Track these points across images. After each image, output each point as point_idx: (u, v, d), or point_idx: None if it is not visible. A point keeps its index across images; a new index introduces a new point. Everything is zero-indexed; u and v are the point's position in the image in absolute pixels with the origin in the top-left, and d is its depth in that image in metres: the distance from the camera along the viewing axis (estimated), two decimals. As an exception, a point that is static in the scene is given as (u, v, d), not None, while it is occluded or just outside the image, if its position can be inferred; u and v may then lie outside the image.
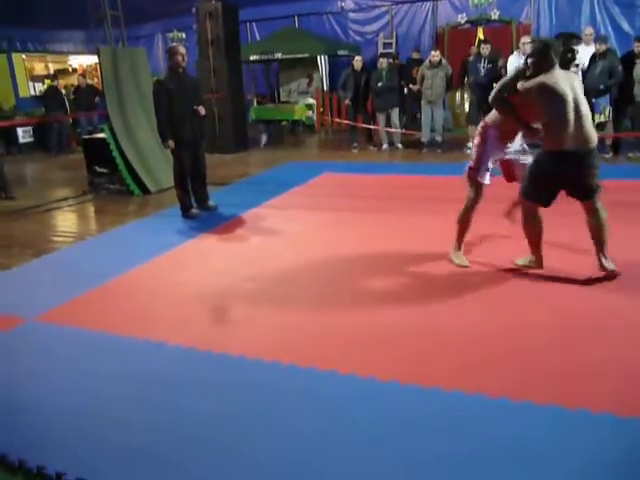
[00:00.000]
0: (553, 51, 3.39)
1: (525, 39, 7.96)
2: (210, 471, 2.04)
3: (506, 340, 2.88)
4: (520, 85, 3.44)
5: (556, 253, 4.09)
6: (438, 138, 9.01)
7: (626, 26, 10.57)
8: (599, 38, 7.77)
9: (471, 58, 8.71)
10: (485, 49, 8.30)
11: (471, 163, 3.87)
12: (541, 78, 3.35)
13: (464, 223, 3.95)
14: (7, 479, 2.06)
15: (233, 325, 3.27)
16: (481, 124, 3.90)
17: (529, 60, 3.44)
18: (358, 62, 9.26)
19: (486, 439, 2.13)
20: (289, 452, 2.12)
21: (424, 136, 8.97)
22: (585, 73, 7.56)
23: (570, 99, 3.31)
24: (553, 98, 3.30)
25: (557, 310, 3.18)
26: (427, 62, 8.79)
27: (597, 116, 8.86)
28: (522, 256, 3.85)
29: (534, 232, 3.67)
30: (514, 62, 7.86)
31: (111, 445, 2.20)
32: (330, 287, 3.70)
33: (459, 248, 4.00)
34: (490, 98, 3.67)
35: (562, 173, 3.42)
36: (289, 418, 2.33)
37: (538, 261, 3.77)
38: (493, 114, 3.80)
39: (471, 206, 3.89)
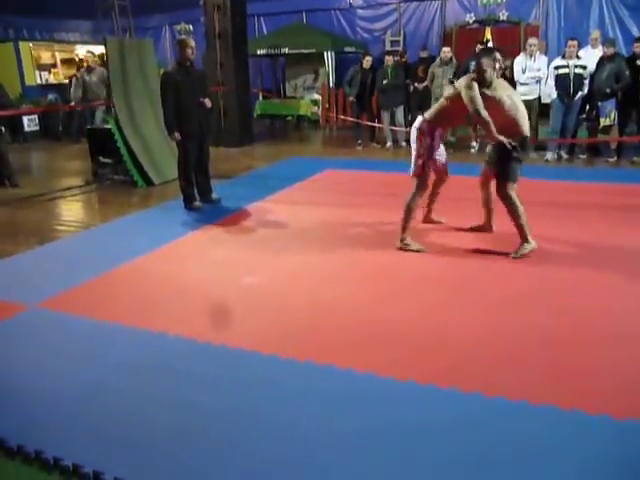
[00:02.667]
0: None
1: (532, 40, 7.95)
2: (207, 463, 2.06)
3: (504, 339, 2.89)
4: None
5: (550, 252, 4.11)
6: (451, 138, 8.98)
7: (635, 29, 10.53)
8: (607, 41, 7.75)
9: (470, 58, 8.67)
10: None
11: (420, 161, 4.19)
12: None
13: (411, 214, 4.30)
14: (5, 463, 2.09)
15: (233, 317, 3.29)
16: (422, 121, 4.19)
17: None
18: (368, 62, 9.19)
19: (481, 437, 2.15)
20: (286, 446, 2.14)
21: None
22: (592, 76, 7.55)
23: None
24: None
25: (556, 310, 3.19)
26: (437, 60, 8.78)
27: (602, 120, 8.87)
28: (514, 249, 4.08)
29: (523, 213, 4.05)
30: (520, 63, 7.86)
31: (107, 434, 2.23)
32: (330, 283, 3.72)
33: (406, 235, 4.32)
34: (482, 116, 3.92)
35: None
36: (286, 411, 2.35)
37: (528, 238, 4.08)
38: (432, 111, 4.20)
39: (420, 198, 4.33)
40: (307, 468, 2.02)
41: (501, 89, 4.01)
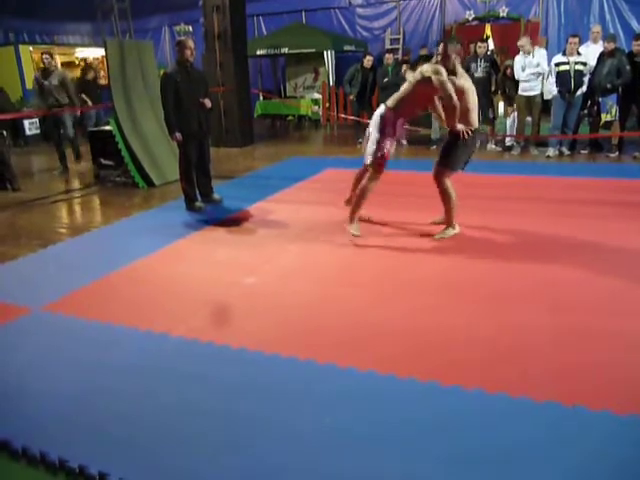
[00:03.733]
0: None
1: (521, 42, 7.91)
2: (210, 464, 2.07)
3: (504, 338, 2.89)
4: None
5: (551, 248, 4.10)
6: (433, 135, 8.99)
7: (635, 24, 10.51)
8: (608, 37, 7.73)
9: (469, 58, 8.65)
10: (482, 47, 8.25)
11: (384, 148, 4.29)
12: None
13: (364, 200, 4.45)
14: (10, 465, 2.10)
15: (235, 318, 3.29)
16: (385, 109, 4.29)
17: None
18: (369, 61, 9.19)
19: (485, 435, 2.15)
20: (288, 446, 2.14)
21: (434, 133, 8.96)
22: (593, 72, 7.54)
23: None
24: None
25: (554, 307, 3.19)
26: (437, 58, 8.75)
27: (603, 115, 8.84)
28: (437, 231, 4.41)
29: (455, 200, 4.36)
30: (519, 62, 7.85)
31: (110, 435, 2.23)
32: (332, 282, 3.73)
33: (355, 220, 4.49)
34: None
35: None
36: (288, 411, 2.35)
37: (453, 223, 4.43)
38: (393, 100, 4.29)
39: (374, 185, 4.41)
40: (308, 466, 2.03)
41: (463, 78, 4.18)
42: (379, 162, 4.31)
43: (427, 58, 9.27)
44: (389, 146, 4.28)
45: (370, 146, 4.35)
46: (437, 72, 4.03)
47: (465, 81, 4.18)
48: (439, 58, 4.20)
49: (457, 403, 2.35)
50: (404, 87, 4.28)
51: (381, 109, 4.32)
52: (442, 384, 2.46)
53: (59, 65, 9.29)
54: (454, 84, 4.05)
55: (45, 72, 7.90)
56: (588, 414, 2.22)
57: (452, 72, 4.11)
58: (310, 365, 2.68)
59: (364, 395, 2.43)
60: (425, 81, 4.07)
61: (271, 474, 2.00)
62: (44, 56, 8.01)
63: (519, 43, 7.92)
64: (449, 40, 4.25)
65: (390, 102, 4.29)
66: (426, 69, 4.11)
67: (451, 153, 4.28)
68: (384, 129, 4.28)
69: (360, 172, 4.87)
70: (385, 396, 2.42)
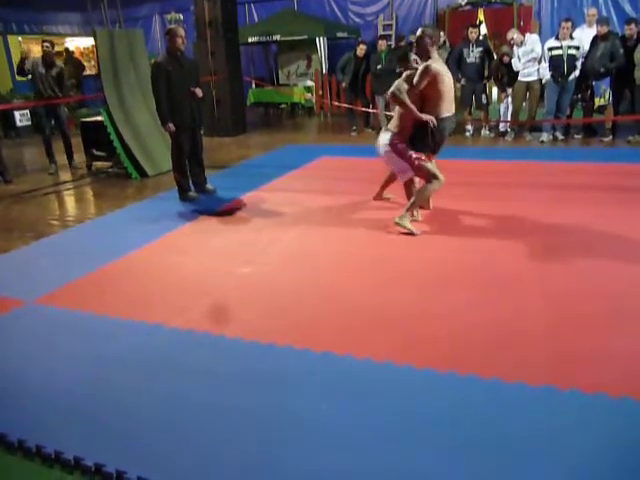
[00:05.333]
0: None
1: (510, 34, 7.88)
2: (207, 456, 2.07)
3: (501, 323, 2.90)
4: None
5: (545, 233, 4.11)
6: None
7: (628, 7, 10.46)
8: (600, 20, 7.69)
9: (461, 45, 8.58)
10: (473, 33, 8.19)
11: (413, 158, 4.34)
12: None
13: (423, 199, 4.53)
14: (6, 458, 2.10)
15: (231, 308, 3.28)
16: (391, 137, 4.40)
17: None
18: (362, 50, 9.11)
19: (485, 423, 2.16)
20: (286, 437, 2.14)
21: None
22: (586, 55, 7.51)
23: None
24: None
25: (551, 294, 3.20)
26: None
27: (597, 99, 8.84)
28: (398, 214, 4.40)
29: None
30: (515, 55, 7.81)
31: (106, 427, 2.23)
32: (327, 270, 3.72)
33: (408, 216, 4.42)
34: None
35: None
36: (287, 401, 2.35)
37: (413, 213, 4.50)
38: (395, 122, 4.44)
39: (437, 184, 4.39)
40: (308, 456, 2.03)
41: (439, 64, 4.26)
42: (420, 169, 4.33)
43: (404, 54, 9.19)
44: (414, 155, 4.32)
45: (398, 164, 4.45)
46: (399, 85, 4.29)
47: (441, 66, 4.24)
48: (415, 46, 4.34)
49: (452, 387, 2.36)
50: (398, 111, 4.41)
51: (385, 139, 4.42)
52: (438, 370, 2.47)
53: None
54: (429, 71, 4.13)
55: (46, 62, 7.39)
56: (583, 396, 2.24)
57: (429, 56, 4.21)
58: (306, 354, 2.68)
59: (361, 383, 2.44)
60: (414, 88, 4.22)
61: (269, 465, 2.00)
62: (45, 44, 7.59)
63: (508, 37, 7.89)
64: (424, 26, 4.38)
65: (392, 127, 4.43)
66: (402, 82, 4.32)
67: (420, 137, 4.31)
68: (401, 153, 4.35)
69: (392, 173, 4.85)
70: (381, 384, 2.43)
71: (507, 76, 8.05)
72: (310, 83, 12.38)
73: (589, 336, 2.71)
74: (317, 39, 12.05)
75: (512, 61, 7.84)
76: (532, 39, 7.85)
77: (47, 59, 7.34)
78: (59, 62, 7.91)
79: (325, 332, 2.89)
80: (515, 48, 7.82)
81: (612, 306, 3.00)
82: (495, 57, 8.22)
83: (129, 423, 2.25)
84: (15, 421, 2.28)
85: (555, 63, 7.46)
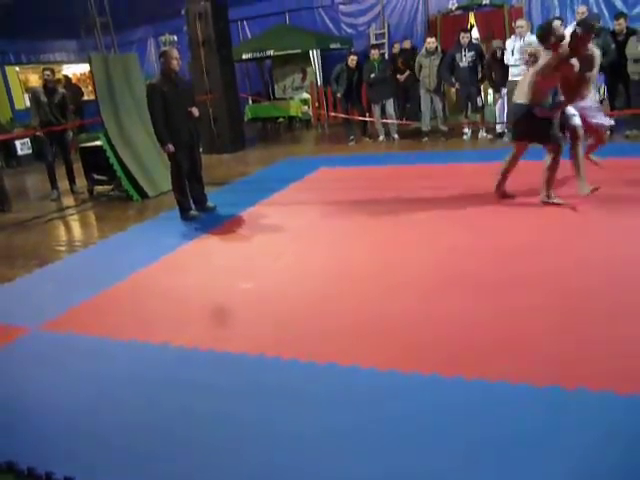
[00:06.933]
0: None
1: (520, 22, 7.90)
2: (214, 473, 2.06)
3: (505, 324, 2.89)
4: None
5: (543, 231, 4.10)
6: (443, 127, 8.95)
7: (619, 3, 10.49)
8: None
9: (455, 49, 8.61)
10: (465, 37, 8.22)
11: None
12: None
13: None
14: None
15: (235, 324, 3.29)
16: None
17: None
18: (353, 61, 9.15)
19: (488, 425, 2.15)
20: (292, 450, 2.14)
21: (425, 125, 8.95)
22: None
23: None
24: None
25: (552, 292, 3.19)
26: (423, 51, 8.77)
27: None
28: None
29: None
30: (510, 45, 7.83)
31: (114, 448, 2.23)
32: (330, 283, 3.72)
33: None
34: None
35: None
36: (293, 415, 2.34)
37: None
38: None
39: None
40: (312, 469, 2.02)
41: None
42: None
43: (407, 52, 9.21)
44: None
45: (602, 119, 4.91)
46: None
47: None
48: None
49: (460, 393, 2.34)
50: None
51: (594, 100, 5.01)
52: (443, 375, 2.46)
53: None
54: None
55: (48, 89, 7.41)
56: (590, 394, 2.22)
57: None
58: (311, 367, 2.67)
59: (367, 393, 2.43)
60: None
61: (276, 478, 1.99)
62: (45, 72, 7.62)
63: (518, 23, 7.86)
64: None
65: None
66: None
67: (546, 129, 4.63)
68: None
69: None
70: (387, 390, 2.42)
71: (500, 73, 8.01)
72: (306, 96, 12.45)
73: (594, 334, 2.70)
74: (310, 52, 12.13)
75: (504, 55, 7.84)
76: (532, 39, 7.88)
77: (49, 86, 7.42)
78: (61, 89, 7.99)
79: (329, 344, 2.89)
80: (514, 38, 7.81)
81: (612, 302, 2.99)
82: (486, 55, 8.25)
83: (136, 442, 2.24)
84: (24, 449, 2.28)
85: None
